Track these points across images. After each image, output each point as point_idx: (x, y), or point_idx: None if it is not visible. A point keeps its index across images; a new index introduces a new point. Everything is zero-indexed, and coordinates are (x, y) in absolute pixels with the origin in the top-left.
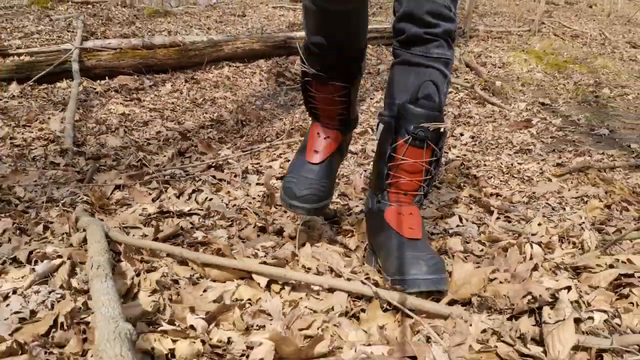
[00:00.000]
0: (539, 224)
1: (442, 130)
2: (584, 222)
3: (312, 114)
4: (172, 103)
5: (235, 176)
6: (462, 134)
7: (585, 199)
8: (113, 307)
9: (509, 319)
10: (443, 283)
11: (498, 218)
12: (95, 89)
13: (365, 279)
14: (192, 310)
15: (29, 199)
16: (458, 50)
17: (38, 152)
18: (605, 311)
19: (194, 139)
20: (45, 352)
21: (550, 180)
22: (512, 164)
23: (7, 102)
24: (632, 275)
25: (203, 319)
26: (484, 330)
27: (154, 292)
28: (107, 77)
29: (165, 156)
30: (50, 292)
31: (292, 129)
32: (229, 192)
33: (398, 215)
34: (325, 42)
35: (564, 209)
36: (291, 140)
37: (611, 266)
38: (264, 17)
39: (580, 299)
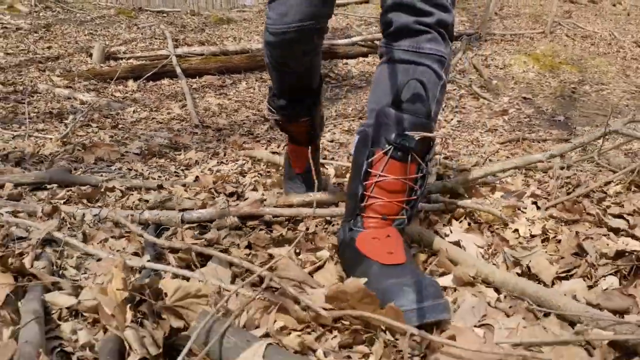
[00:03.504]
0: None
1: (431, 141)
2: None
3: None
4: (250, 96)
5: None
6: (452, 119)
7: (504, 151)
8: None
9: None
10: (442, 310)
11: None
12: (192, 85)
13: None
14: None
15: (193, 148)
16: (470, 54)
17: (177, 126)
18: None
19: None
20: None
21: (494, 144)
22: (477, 138)
23: (132, 94)
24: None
25: None
26: None
27: None
28: (197, 77)
29: (263, 128)
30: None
31: (337, 115)
32: None
33: (372, 240)
34: (287, 91)
35: (490, 160)
36: (337, 122)
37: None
38: None
39: None
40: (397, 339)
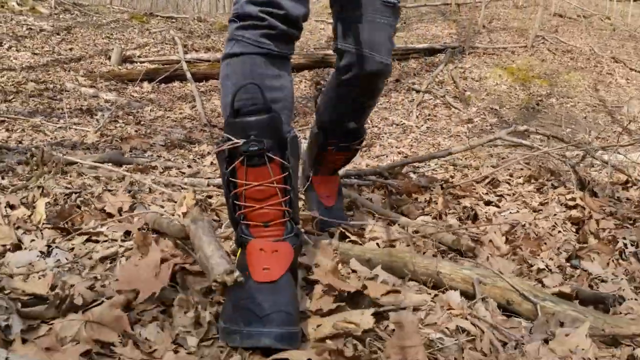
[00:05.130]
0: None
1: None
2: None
3: (241, 229)
4: None
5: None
6: (422, 125)
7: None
8: None
9: None
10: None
11: (406, 156)
12: (200, 89)
13: None
14: None
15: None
16: (451, 66)
17: (189, 124)
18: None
19: None
20: None
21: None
22: (439, 142)
23: (148, 95)
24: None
25: None
26: None
27: None
28: (203, 81)
29: None
30: None
31: None
32: None
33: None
34: (249, 94)
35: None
36: None
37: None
38: (308, 30)
39: None
40: None
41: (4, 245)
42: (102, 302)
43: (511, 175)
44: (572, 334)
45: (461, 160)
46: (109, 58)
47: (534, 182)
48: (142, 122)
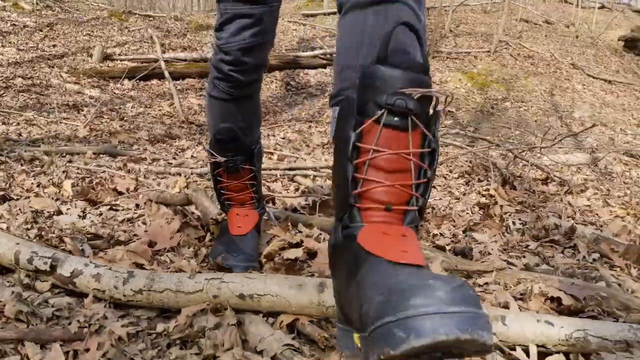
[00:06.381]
0: None
1: (434, 105)
2: None
3: (225, 205)
4: None
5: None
6: None
7: None
8: None
9: None
10: (481, 327)
11: None
12: (177, 87)
13: None
14: None
15: (183, 138)
16: None
17: (168, 121)
18: None
19: None
20: None
21: None
22: None
23: (128, 92)
24: None
25: None
26: None
27: None
28: (180, 79)
29: None
30: None
31: (292, 118)
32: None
33: (382, 235)
34: (226, 131)
35: None
36: (290, 124)
37: None
38: (280, 31)
39: None
40: None
41: (49, 212)
42: (134, 241)
43: (450, 171)
44: (431, 265)
45: None
46: (91, 55)
47: (465, 177)
48: (125, 118)
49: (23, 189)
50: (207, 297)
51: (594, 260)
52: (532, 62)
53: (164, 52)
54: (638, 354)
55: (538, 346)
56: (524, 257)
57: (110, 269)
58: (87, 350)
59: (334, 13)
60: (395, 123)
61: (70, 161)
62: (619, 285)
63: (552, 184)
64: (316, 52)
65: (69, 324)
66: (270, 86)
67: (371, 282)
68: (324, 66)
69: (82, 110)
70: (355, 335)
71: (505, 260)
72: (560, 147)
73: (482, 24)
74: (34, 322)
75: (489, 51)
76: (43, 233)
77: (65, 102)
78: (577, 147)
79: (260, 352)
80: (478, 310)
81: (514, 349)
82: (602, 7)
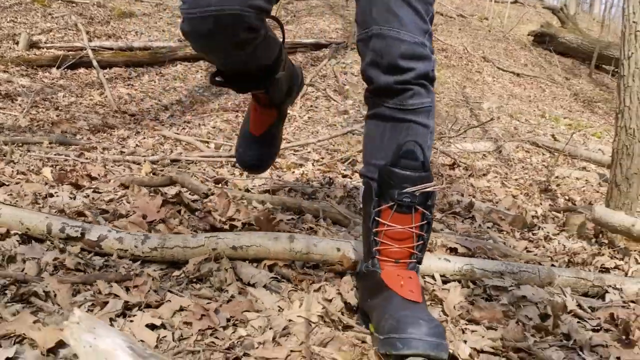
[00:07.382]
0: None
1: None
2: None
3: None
4: (152, 88)
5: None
6: (304, 115)
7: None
8: None
9: None
10: (443, 349)
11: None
12: (105, 76)
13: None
14: None
15: (121, 128)
16: (334, 61)
17: (101, 111)
18: None
19: (170, 109)
20: None
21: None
22: (317, 130)
23: (58, 81)
24: None
25: None
26: None
27: None
28: (107, 68)
29: (165, 115)
30: None
31: (220, 108)
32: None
33: (397, 276)
34: (231, 74)
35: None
36: (219, 114)
37: None
38: None
39: None
40: None
41: (40, 194)
42: (131, 215)
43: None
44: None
45: (333, 145)
46: (17, 43)
47: None
48: (60, 108)
49: (6, 175)
50: (207, 250)
51: (488, 228)
52: (445, 54)
53: (90, 40)
54: (508, 278)
55: (440, 275)
56: None
57: (129, 233)
58: (136, 286)
59: None
60: (403, 211)
61: (29, 150)
62: (504, 243)
63: (458, 169)
64: None
65: (116, 270)
66: (196, 75)
67: (388, 310)
68: None
69: (17, 100)
70: (371, 325)
71: None
72: (466, 137)
73: None
74: (88, 271)
75: None
76: (54, 211)
77: None
78: (484, 137)
79: (253, 285)
80: (443, 341)
81: (424, 278)
82: (515, 1)
